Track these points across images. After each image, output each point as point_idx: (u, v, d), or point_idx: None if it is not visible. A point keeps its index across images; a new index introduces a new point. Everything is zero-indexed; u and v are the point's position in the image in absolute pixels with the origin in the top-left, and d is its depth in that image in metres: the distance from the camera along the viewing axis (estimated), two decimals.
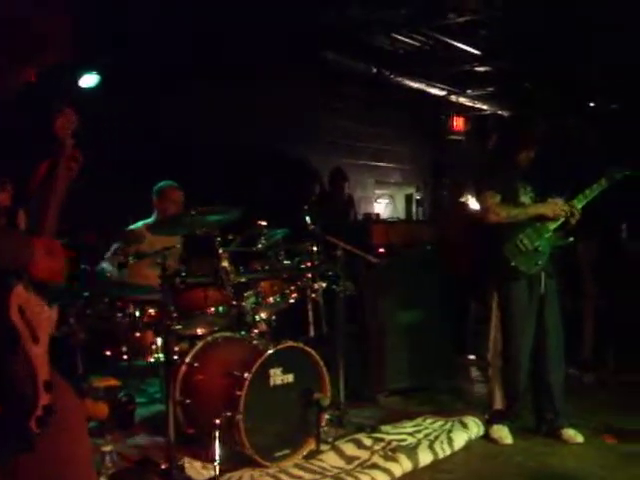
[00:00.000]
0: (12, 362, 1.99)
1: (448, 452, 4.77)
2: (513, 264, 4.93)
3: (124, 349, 4.96)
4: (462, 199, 9.62)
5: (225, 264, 4.59)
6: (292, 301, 5.12)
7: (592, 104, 11.19)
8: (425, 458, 4.59)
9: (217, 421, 4.17)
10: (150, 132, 7.23)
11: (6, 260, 2.10)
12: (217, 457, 4.16)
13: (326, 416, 4.68)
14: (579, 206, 5.05)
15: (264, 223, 5.12)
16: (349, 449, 4.69)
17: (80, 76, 6.83)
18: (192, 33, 7.40)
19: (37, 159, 2.53)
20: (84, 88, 6.89)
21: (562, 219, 5.05)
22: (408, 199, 12.41)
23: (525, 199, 5.09)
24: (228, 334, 4.95)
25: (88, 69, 6.85)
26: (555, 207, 5.05)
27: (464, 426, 5.15)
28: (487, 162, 5.70)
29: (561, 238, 5.11)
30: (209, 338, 4.88)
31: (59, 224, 2.36)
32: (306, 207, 5.37)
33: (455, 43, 9.26)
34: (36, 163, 2.52)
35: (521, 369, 5.07)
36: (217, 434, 4.17)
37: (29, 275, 2.13)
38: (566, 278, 5.66)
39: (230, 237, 4.92)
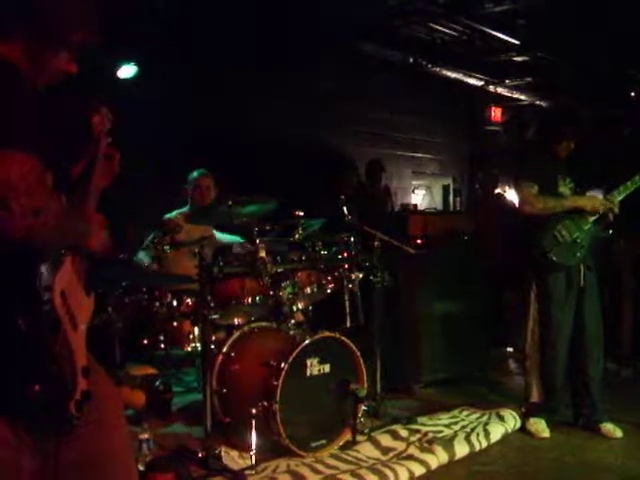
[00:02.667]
0: (53, 344, 2.01)
1: (484, 444, 4.74)
2: (551, 256, 4.88)
3: (161, 338, 5.01)
4: (497, 190, 9.56)
5: (262, 254, 4.60)
6: (329, 291, 5.11)
7: (633, 94, 11.03)
8: (461, 450, 4.57)
9: (253, 411, 4.19)
10: (186, 122, 7.25)
11: (73, 237, 2.19)
12: (253, 446, 4.18)
13: (362, 407, 4.67)
14: (618, 199, 4.98)
15: (301, 213, 5.12)
16: (385, 440, 4.69)
17: (118, 67, 6.88)
18: (229, 23, 7.41)
19: (76, 151, 2.56)
20: (122, 79, 6.94)
21: (600, 213, 4.98)
22: (445, 190, 12.38)
23: (564, 190, 5.03)
24: (265, 324, 4.97)
25: (126, 60, 6.89)
26: (594, 201, 4.98)
27: (501, 419, 5.12)
28: (525, 152, 5.65)
29: (600, 230, 5.05)
30: (246, 328, 4.89)
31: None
32: (343, 198, 5.36)
33: (493, 32, 9.18)
34: (75, 154, 2.55)
35: (558, 362, 5.03)
36: (253, 423, 4.19)
37: (87, 249, 2.19)
38: (605, 272, 5.59)
39: (267, 227, 4.92)
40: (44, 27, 2.16)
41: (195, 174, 6.18)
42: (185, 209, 6.09)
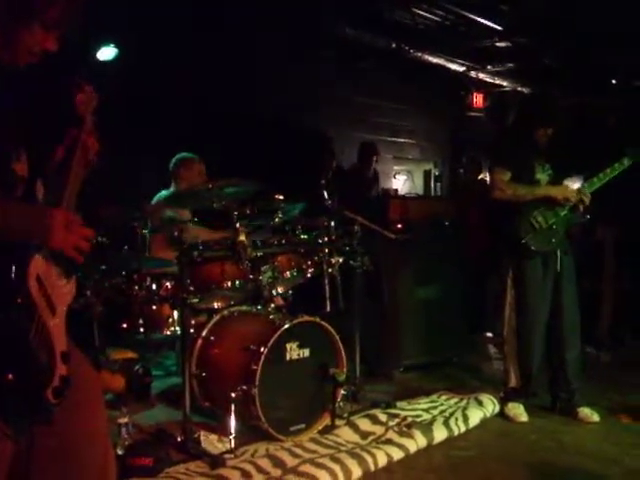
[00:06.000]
0: (28, 331, 1.99)
1: (463, 429, 4.76)
2: (526, 242, 4.90)
3: (141, 322, 4.98)
4: (480, 176, 9.59)
5: (242, 238, 4.58)
6: (309, 276, 5.10)
7: (614, 81, 11.06)
8: (440, 435, 4.59)
9: (233, 395, 4.19)
10: (169, 104, 7.21)
11: (19, 233, 2.07)
12: (232, 430, 4.18)
13: (341, 391, 4.68)
14: (595, 187, 5.01)
15: (281, 197, 5.10)
16: (364, 424, 4.70)
17: (98, 49, 6.81)
18: (217, 6, 7.38)
19: (54, 131, 2.51)
20: (102, 61, 6.87)
21: (572, 202, 4.99)
22: (426, 175, 12.41)
23: (542, 177, 5.04)
24: (244, 308, 4.96)
25: (106, 42, 6.82)
26: (566, 191, 4.99)
27: (479, 403, 5.15)
28: (501, 138, 5.66)
29: (577, 216, 5.07)
30: (225, 312, 4.88)
31: (78, 200, 2.34)
32: (323, 182, 5.34)
33: (476, 18, 9.17)
34: (54, 135, 2.51)
35: (535, 347, 5.06)
36: (233, 408, 4.19)
37: (46, 246, 2.11)
38: (586, 257, 5.61)
39: (247, 211, 4.89)
40: (17, 1, 2.11)
41: (188, 157, 6.10)
42: (170, 191, 6.01)
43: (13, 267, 1.99)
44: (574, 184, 5.07)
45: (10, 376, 1.91)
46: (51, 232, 2.09)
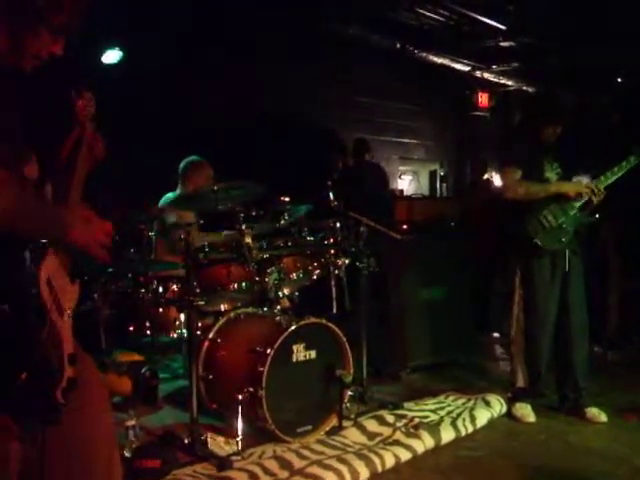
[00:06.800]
0: (40, 332, 2.00)
1: (470, 430, 4.76)
2: (535, 241, 4.89)
3: (147, 325, 4.98)
4: (485, 175, 9.58)
5: (248, 240, 4.58)
6: (315, 277, 5.10)
7: (619, 79, 11.04)
8: (447, 435, 4.58)
9: (240, 397, 4.19)
10: (173, 107, 7.21)
11: (52, 229, 2.15)
12: (239, 432, 4.18)
13: (348, 392, 4.68)
14: (602, 185, 4.99)
15: (287, 199, 5.10)
16: (371, 425, 4.69)
17: (102, 52, 6.82)
18: (217, 7, 7.39)
19: (60, 133, 2.53)
20: (107, 64, 6.88)
21: (585, 198, 4.98)
22: (432, 175, 12.40)
23: (551, 175, 5.03)
24: (251, 310, 4.96)
25: (110, 45, 6.83)
26: (578, 186, 4.99)
27: (487, 404, 5.14)
28: (510, 137, 5.65)
29: (586, 216, 5.06)
30: (232, 314, 4.89)
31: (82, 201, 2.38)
32: (329, 183, 5.33)
33: (480, 18, 9.16)
34: (59, 137, 2.53)
35: (543, 347, 5.05)
36: (240, 409, 4.19)
37: (68, 242, 2.16)
38: (592, 257, 5.59)
39: (253, 213, 4.90)
40: (25, 7, 2.12)
41: (197, 160, 6.10)
42: (176, 193, 6.01)
43: (24, 269, 2.01)
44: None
45: (24, 375, 1.93)
46: (72, 227, 2.19)
